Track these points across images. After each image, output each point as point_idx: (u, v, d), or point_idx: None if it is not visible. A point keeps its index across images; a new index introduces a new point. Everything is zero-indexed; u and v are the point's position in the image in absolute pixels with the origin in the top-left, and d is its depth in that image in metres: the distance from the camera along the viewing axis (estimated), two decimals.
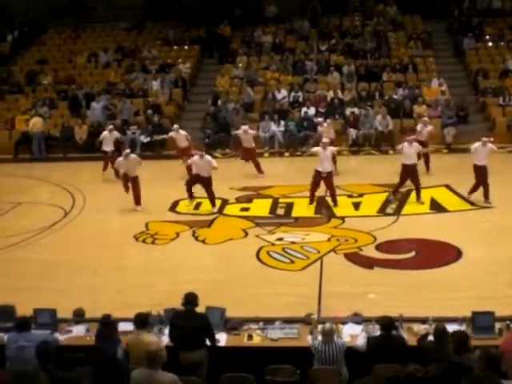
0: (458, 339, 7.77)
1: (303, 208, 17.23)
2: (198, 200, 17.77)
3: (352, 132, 23.99)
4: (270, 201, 18.06)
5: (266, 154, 23.93)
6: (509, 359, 7.16)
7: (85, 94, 27.26)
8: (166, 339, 9.09)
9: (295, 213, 17.06)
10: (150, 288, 12.44)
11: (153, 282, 12.80)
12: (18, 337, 8.45)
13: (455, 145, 23.13)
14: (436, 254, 14.09)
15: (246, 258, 14.11)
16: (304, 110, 25.26)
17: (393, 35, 29.72)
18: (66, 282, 13.02)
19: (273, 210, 17.42)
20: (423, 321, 9.48)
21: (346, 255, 14.06)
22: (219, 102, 26.19)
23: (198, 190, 17.70)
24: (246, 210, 17.53)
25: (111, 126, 21.78)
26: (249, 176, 20.30)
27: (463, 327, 9.25)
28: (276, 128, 24.48)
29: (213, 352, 8.94)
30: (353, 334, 9.25)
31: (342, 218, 16.44)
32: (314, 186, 17.23)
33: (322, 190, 17.47)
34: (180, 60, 29.40)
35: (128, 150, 18.12)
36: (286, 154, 23.87)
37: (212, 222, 16.65)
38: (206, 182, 17.24)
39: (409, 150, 17.20)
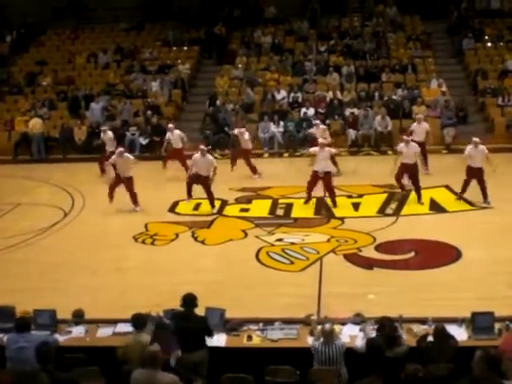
0: (387, 332, 8.23)
1: (303, 209, 17.23)
2: (198, 201, 17.75)
3: (351, 133, 23.99)
4: (269, 201, 18.06)
5: (266, 155, 23.93)
6: (508, 359, 7.17)
7: (84, 95, 27.26)
8: None
9: (295, 213, 17.06)
10: (150, 289, 12.45)
11: (152, 283, 12.81)
12: (17, 337, 8.45)
13: (455, 145, 23.09)
14: (435, 255, 14.10)
15: (246, 259, 14.12)
16: (303, 110, 25.26)
17: (392, 36, 29.73)
18: (65, 282, 13.04)
19: (272, 210, 17.42)
20: (423, 321, 9.48)
21: (345, 256, 14.07)
22: (217, 102, 26.17)
23: (198, 190, 17.66)
24: (246, 210, 17.53)
25: (104, 127, 21.76)
26: (248, 177, 20.30)
27: (463, 328, 9.27)
28: (275, 129, 24.49)
29: (213, 352, 8.94)
30: (352, 335, 9.25)
31: (342, 219, 16.44)
32: (311, 185, 17.24)
33: (321, 191, 17.48)
34: (179, 61, 29.37)
35: (122, 149, 18.15)
36: (286, 154, 23.88)
37: (211, 222, 16.65)
38: (206, 182, 17.23)
39: (407, 150, 17.20)
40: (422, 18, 30.87)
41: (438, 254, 14.11)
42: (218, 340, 9.31)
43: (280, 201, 18.04)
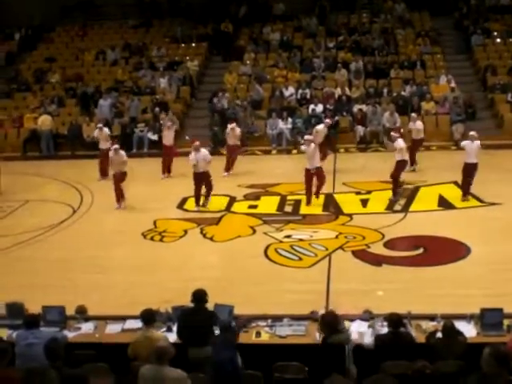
0: (327, 322, 8.42)
1: (311, 205, 17.21)
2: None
3: (360, 129, 23.97)
4: (277, 198, 18.06)
5: (274, 152, 23.94)
6: None
7: (92, 92, 27.30)
8: (173, 337, 9.09)
9: (303, 210, 17.05)
10: (159, 285, 12.47)
11: (161, 280, 12.83)
12: (26, 334, 8.47)
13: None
14: (444, 251, 14.07)
15: (254, 256, 14.12)
16: (312, 107, 25.23)
17: (401, 32, 29.68)
18: (74, 279, 13.07)
19: (280, 207, 17.42)
20: (431, 318, 9.45)
21: (353, 252, 14.06)
22: (216, 98, 26.10)
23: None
24: (254, 207, 17.54)
25: (100, 125, 21.72)
26: (257, 173, 20.30)
27: (471, 324, 9.24)
28: (284, 125, 24.47)
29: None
30: (361, 332, 9.23)
31: (350, 216, 16.43)
32: (308, 183, 17.22)
33: (329, 188, 17.48)
34: (187, 57, 29.43)
35: (117, 146, 18.19)
36: (294, 151, 23.82)
37: (220, 219, 16.66)
38: (206, 178, 17.24)
39: (391, 147, 17.46)
40: (430, 15, 30.79)
41: (446, 251, 14.08)
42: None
43: (288, 197, 18.04)
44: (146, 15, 32.63)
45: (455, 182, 18.32)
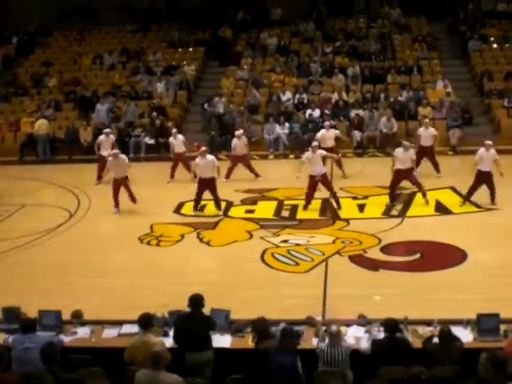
0: (258, 329, 8.79)
1: (308, 210, 17.21)
2: (203, 202, 17.70)
3: (357, 134, 23.98)
4: (274, 203, 18.05)
5: (271, 157, 23.95)
6: None
7: (89, 97, 27.29)
8: (170, 341, 9.08)
9: (300, 215, 17.04)
10: (156, 290, 12.45)
11: (158, 284, 12.81)
12: (22, 338, 8.47)
13: (460, 147, 23.10)
14: (441, 256, 14.06)
15: (251, 260, 14.11)
16: (309, 112, 25.24)
17: (398, 37, 29.75)
18: (71, 283, 13.04)
19: (277, 212, 17.41)
20: (428, 323, 9.47)
21: (350, 257, 14.05)
22: (208, 104, 26.08)
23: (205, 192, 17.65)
24: (251, 212, 17.53)
25: (108, 130, 21.64)
26: (254, 178, 20.30)
27: (468, 329, 9.25)
28: (281, 130, 24.47)
29: (218, 353, 8.94)
30: (357, 337, 9.24)
31: (347, 220, 16.43)
32: (311, 191, 17.16)
33: (326, 193, 17.48)
34: (185, 62, 29.45)
35: (117, 150, 18.17)
36: (291, 156, 23.85)
37: (217, 223, 16.65)
38: (211, 184, 17.19)
39: (403, 156, 17.07)
40: (427, 20, 30.88)
41: (443, 256, 14.07)
42: (223, 341, 9.31)
43: (285, 202, 18.04)
44: (143, 20, 32.64)
45: (452, 188, 18.36)
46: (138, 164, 22.75)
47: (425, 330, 9.27)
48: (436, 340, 8.66)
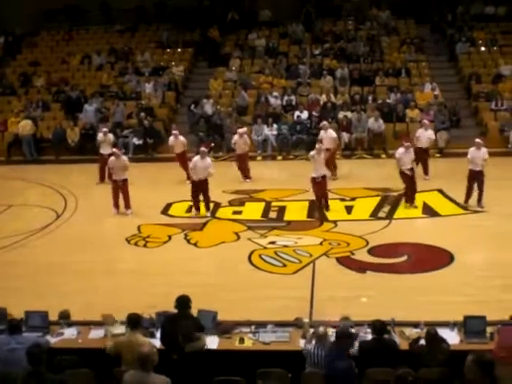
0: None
1: (296, 212, 17.22)
2: (191, 203, 17.65)
3: (345, 136, 24.00)
4: (262, 204, 18.05)
5: (259, 158, 23.93)
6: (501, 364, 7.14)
7: (77, 97, 27.20)
8: (157, 343, 9.05)
9: (287, 216, 17.05)
10: (143, 291, 12.42)
11: (145, 285, 12.79)
12: (8, 339, 8.42)
13: (448, 149, 23.18)
14: (428, 258, 14.11)
15: (239, 262, 14.11)
16: (297, 113, 25.25)
17: (386, 39, 29.80)
18: (58, 284, 12.99)
19: (265, 213, 17.41)
20: (415, 325, 9.48)
21: (338, 259, 14.07)
22: (193, 105, 26.06)
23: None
24: (239, 213, 17.52)
25: (105, 129, 21.56)
26: (241, 179, 20.28)
27: (455, 331, 9.26)
28: (269, 131, 24.48)
29: (205, 355, 8.91)
30: None
31: (335, 222, 16.44)
32: (323, 191, 17.08)
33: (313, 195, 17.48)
34: (173, 63, 29.38)
35: (119, 150, 18.12)
36: (279, 157, 23.88)
37: (204, 225, 16.64)
38: (204, 185, 17.14)
39: (404, 157, 17.08)
40: (416, 22, 30.94)
41: (430, 258, 14.12)
42: (210, 342, 9.29)
43: (273, 204, 18.03)
44: (131, 20, 32.54)
45: (439, 190, 18.41)
46: None
47: (411, 332, 9.27)
48: (423, 342, 8.68)
